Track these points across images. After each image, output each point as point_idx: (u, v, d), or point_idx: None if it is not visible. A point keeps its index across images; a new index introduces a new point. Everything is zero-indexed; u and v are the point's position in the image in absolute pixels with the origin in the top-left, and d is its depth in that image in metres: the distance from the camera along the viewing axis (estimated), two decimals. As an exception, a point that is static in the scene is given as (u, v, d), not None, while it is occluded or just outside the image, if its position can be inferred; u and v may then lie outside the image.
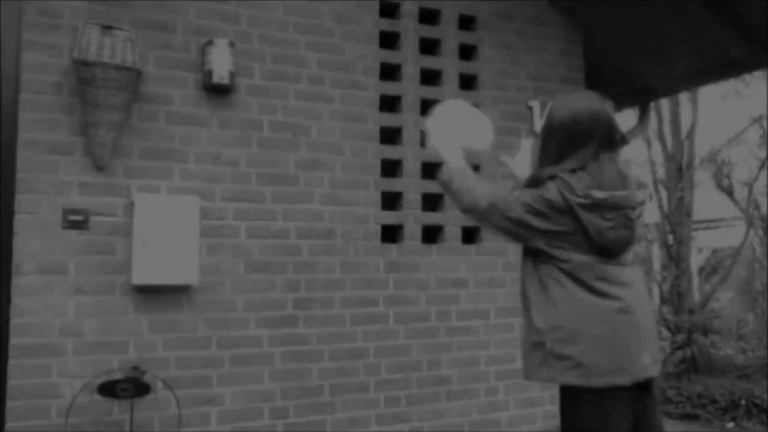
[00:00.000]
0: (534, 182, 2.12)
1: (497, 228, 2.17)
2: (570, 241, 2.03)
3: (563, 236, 2.04)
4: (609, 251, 2.04)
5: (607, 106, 2.10)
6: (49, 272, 3.01)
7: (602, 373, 1.98)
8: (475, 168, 2.67)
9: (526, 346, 2.16)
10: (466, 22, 4.12)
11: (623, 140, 2.15)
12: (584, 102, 2.11)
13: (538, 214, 2.04)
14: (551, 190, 2.03)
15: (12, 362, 2.93)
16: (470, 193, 2.18)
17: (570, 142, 2.07)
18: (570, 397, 2.07)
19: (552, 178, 2.05)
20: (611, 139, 2.08)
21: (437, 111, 2.39)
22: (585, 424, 2.02)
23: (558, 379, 2.05)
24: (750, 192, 8.50)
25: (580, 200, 1.99)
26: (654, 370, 2.08)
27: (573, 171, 2.04)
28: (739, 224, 9.35)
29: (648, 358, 2.05)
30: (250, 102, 3.47)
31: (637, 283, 2.12)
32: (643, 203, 2.11)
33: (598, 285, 2.03)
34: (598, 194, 1.99)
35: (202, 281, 3.27)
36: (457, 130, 2.35)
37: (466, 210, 2.21)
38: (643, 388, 2.08)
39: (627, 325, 2.02)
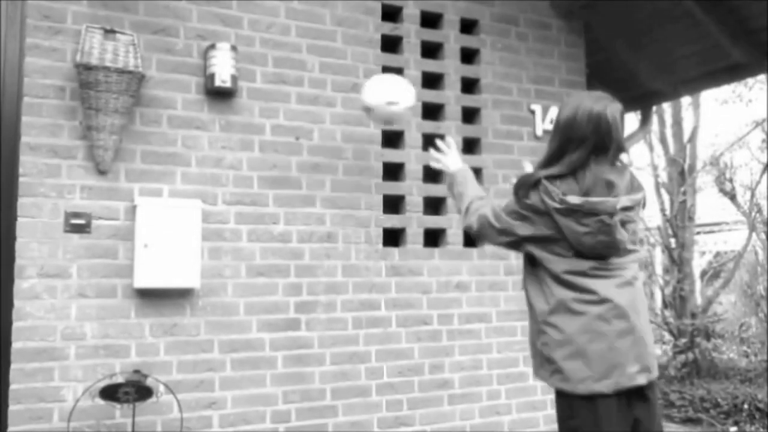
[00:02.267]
0: (522, 185, 2.15)
1: (493, 240, 2.29)
2: (557, 246, 2.08)
3: (550, 241, 2.08)
4: (591, 255, 2.06)
5: (611, 109, 2.06)
6: (51, 276, 3.02)
7: (583, 379, 2.02)
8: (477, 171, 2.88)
9: (532, 344, 2.25)
10: (468, 26, 4.13)
11: (620, 147, 2.10)
12: (587, 103, 2.08)
13: (523, 219, 2.12)
14: (533, 196, 2.09)
15: (14, 366, 2.93)
16: (466, 216, 2.34)
17: (568, 142, 2.08)
18: (561, 400, 2.12)
19: (537, 183, 2.09)
20: (604, 145, 2.05)
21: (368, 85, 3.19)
22: (576, 428, 2.06)
23: (547, 381, 2.14)
24: (752, 196, 8.49)
25: (556, 205, 2.03)
26: (641, 379, 2.07)
27: (562, 176, 2.06)
28: (741, 228, 9.34)
29: (635, 367, 2.06)
30: (252, 105, 3.48)
31: (632, 289, 2.12)
32: (629, 209, 2.07)
33: (586, 290, 2.06)
34: (573, 200, 2.00)
35: (203, 285, 3.27)
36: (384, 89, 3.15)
37: (465, 229, 2.38)
38: (638, 394, 2.09)
39: (614, 333, 2.05)
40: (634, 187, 2.14)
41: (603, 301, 2.05)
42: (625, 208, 2.06)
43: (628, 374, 2.04)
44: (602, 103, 2.06)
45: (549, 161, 2.13)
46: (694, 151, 8.83)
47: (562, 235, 2.06)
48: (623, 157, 2.15)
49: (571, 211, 2.01)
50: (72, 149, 3.10)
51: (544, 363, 2.14)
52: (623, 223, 2.07)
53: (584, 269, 2.07)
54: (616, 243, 2.06)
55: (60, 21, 3.12)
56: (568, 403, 2.08)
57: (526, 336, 4.03)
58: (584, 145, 2.04)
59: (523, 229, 2.13)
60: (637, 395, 2.09)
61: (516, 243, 2.19)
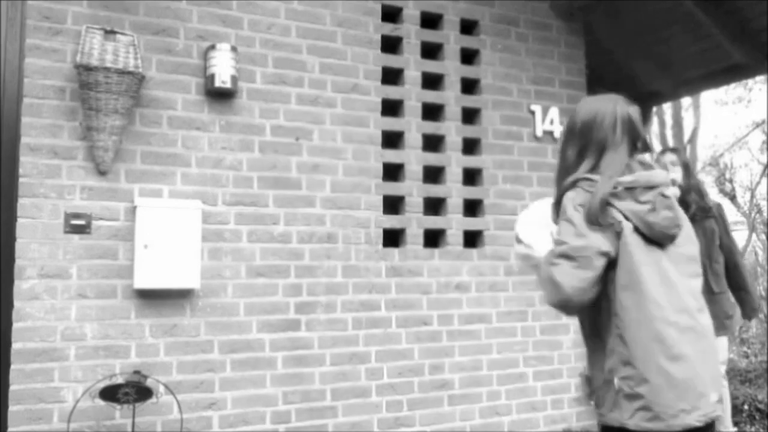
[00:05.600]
0: (560, 199, 1.94)
1: (589, 279, 1.85)
2: (624, 239, 1.84)
3: (616, 240, 1.85)
4: (660, 237, 1.86)
5: (631, 109, 1.99)
6: (51, 276, 3.02)
7: (676, 414, 1.77)
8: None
9: (598, 385, 1.93)
10: (468, 27, 4.13)
11: (645, 146, 2.01)
12: (606, 105, 1.99)
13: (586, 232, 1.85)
14: (577, 198, 1.87)
15: (14, 366, 2.93)
16: (553, 289, 1.89)
17: (592, 142, 1.95)
18: None
19: (573, 184, 1.90)
20: (634, 144, 1.95)
21: (525, 212, 2.24)
22: None
23: (628, 423, 1.81)
24: (752, 196, 8.50)
25: (611, 190, 1.85)
26: (719, 409, 1.86)
27: (590, 171, 1.91)
28: (741, 228, 9.34)
29: (715, 395, 1.84)
30: (252, 106, 3.48)
31: (701, 306, 1.91)
32: (674, 182, 2.01)
33: (666, 300, 1.83)
34: (626, 178, 1.86)
35: (203, 285, 3.27)
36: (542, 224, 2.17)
37: (560, 307, 1.93)
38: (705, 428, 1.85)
39: (698, 354, 1.82)
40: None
41: (687, 321, 1.83)
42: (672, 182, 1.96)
43: (711, 403, 1.81)
44: (622, 104, 2.00)
45: (573, 166, 1.96)
46: (694, 151, 8.85)
47: (623, 227, 1.84)
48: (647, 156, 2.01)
49: (628, 191, 1.85)
50: (72, 150, 3.10)
51: (621, 401, 1.82)
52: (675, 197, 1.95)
53: (660, 269, 1.85)
54: (679, 219, 1.91)
55: (60, 22, 3.12)
56: None
57: (526, 336, 4.08)
58: (618, 146, 1.92)
59: (596, 239, 1.83)
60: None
61: (600, 262, 1.83)
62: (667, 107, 8.82)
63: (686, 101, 8.98)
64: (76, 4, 3.15)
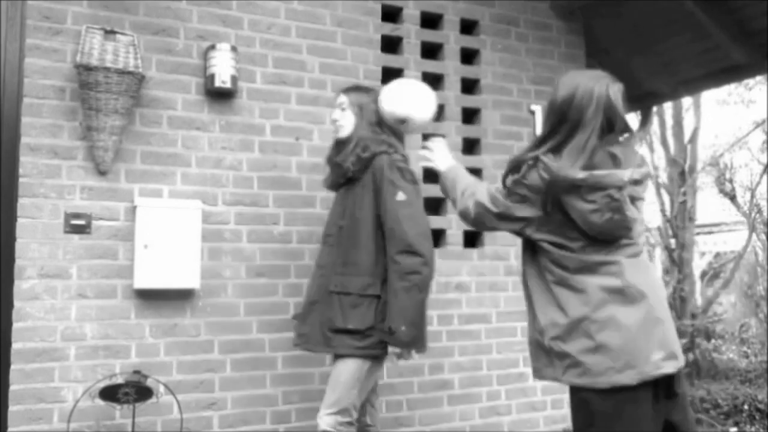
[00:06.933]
0: (516, 166, 2.03)
1: (492, 227, 2.15)
2: (560, 227, 1.92)
3: (551, 222, 1.93)
4: (601, 236, 1.89)
5: (612, 88, 1.95)
6: (51, 276, 3.02)
7: (603, 372, 1.82)
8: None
9: (532, 343, 2.06)
10: (468, 27, 4.13)
11: (626, 128, 1.98)
12: (587, 82, 1.95)
13: (522, 200, 1.98)
14: (531, 174, 1.94)
15: (14, 366, 2.93)
16: (462, 200, 2.21)
17: (567, 120, 1.94)
18: (578, 400, 1.92)
19: (535, 161, 1.95)
20: (611, 125, 1.93)
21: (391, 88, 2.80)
22: (602, 429, 1.83)
23: (560, 378, 1.93)
24: (752, 196, 8.49)
25: (568, 182, 1.86)
26: (668, 367, 1.86)
27: (558, 150, 1.92)
28: (741, 228, 9.35)
29: (660, 354, 1.84)
30: (252, 106, 3.48)
31: (644, 271, 1.94)
32: (638, 183, 1.90)
33: (598, 274, 1.89)
34: (578, 174, 1.83)
35: (203, 285, 3.27)
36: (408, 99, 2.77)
37: (461, 217, 2.24)
38: (665, 390, 1.89)
39: (631, 317, 1.84)
40: (639, 161, 1.98)
41: (617, 284, 1.87)
42: (634, 182, 1.89)
43: (652, 362, 1.82)
44: (603, 83, 1.94)
45: (543, 140, 2.00)
46: (694, 151, 8.84)
47: (565, 215, 1.90)
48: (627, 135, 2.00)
49: (575, 187, 1.84)
50: (72, 150, 3.10)
51: (554, 360, 1.93)
52: (633, 200, 1.90)
53: (594, 250, 1.90)
54: (628, 221, 1.88)
55: (60, 22, 3.12)
56: (586, 403, 1.87)
57: (526, 336, 4.05)
58: (588, 127, 1.89)
59: (523, 211, 1.97)
60: (664, 391, 1.88)
61: (516, 228, 2.02)
62: (667, 107, 8.81)
63: (687, 101, 8.97)
64: (76, 4, 3.16)
